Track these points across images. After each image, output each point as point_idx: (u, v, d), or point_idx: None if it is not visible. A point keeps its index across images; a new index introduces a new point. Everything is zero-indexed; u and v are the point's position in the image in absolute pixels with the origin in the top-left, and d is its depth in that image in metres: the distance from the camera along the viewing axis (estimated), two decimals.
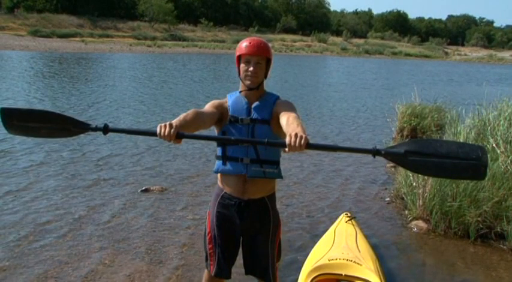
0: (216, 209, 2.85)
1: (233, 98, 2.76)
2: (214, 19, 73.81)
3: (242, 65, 2.68)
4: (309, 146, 2.22)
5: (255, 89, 2.71)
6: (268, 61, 2.71)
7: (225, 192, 2.81)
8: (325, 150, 2.52)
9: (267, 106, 2.71)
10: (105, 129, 2.45)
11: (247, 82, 2.68)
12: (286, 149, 2.22)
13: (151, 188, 6.17)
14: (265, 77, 2.74)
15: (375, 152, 2.29)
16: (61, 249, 4.43)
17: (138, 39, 54.73)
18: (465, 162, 2.22)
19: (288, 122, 2.45)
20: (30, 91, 15.02)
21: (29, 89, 15.53)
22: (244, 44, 2.67)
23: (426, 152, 2.27)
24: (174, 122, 2.34)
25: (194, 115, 2.51)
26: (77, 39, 48.57)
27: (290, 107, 2.65)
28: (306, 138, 2.18)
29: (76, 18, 57.83)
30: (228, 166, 2.73)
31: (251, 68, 2.64)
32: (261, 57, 2.66)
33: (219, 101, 2.78)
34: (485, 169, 2.22)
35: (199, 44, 57.49)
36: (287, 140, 2.20)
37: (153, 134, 2.32)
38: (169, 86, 18.92)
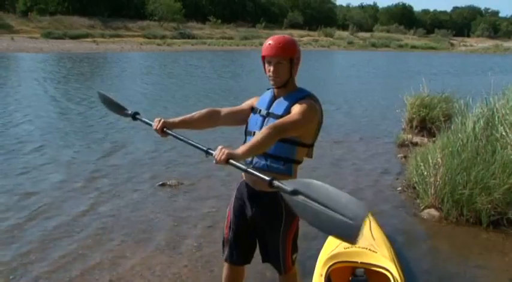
0: (235, 195, 3.00)
1: (265, 92, 2.90)
2: (222, 16, 73.68)
3: (266, 65, 2.73)
4: (229, 163, 2.32)
5: (282, 87, 2.76)
6: (291, 60, 2.69)
7: (244, 180, 2.93)
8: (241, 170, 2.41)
9: (287, 102, 2.72)
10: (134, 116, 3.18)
11: (271, 82, 2.75)
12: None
13: (168, 182, 6.28)
14: (292, 74, 2.74)
15: (270, 182, 2.19)
16: (79, 241, 4.56)
17: (148, 38, 54.76)
18: (340, 218, 1.95)
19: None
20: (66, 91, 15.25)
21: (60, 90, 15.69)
22: (265, 45, 2.70)
23: (312, 196, 2.05)
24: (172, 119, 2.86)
25: (204, 114, 2.87)
26: (89, 40, 48.72)
27: (298, 110, 2.62)
28: (227, 154, 2.30)
29: (87, 19, 58.01)
30: None
31: (271, 69, 2.68)
32: (281, 58, 2.65)
33: (257, 96, 2.95)
34: (358, 233, 1.90)
35: (208, 41, 57.32)
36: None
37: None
38: (210, 81, 19.75)
